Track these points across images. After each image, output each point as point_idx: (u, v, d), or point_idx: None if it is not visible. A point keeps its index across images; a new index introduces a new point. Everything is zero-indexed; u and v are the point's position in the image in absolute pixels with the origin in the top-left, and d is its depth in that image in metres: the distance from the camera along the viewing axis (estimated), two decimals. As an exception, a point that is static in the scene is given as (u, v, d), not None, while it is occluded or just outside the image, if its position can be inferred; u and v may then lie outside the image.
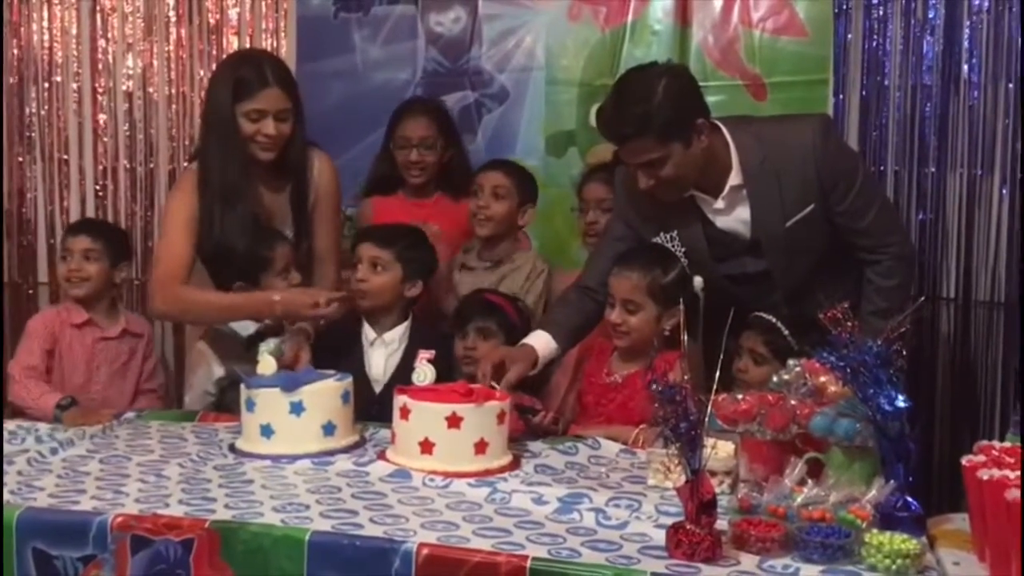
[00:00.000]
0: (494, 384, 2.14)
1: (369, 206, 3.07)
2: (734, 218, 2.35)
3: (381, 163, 3.09)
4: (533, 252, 2.92)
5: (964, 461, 1.59)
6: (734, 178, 2.30)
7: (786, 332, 2.19)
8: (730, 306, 2.05)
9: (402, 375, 2.34)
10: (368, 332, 2.55)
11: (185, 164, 3.46)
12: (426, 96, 3.33)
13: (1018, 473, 1.49)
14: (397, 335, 2.54)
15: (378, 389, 2.49)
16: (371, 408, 2.31)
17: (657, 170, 2.24)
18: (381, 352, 2.53)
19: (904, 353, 1.72)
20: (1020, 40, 2.92)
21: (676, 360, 2.16)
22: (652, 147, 2.21)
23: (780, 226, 2.31)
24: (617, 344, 2.38)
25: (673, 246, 2.38)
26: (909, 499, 1.65)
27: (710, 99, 3.16)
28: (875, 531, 1.56)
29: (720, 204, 2.33)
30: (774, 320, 2.24)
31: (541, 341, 2.34)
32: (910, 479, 1.67)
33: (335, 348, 2.49)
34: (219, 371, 2.55)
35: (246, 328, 2.56)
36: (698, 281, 2.36)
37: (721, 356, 1.77)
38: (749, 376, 2.25)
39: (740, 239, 2.36)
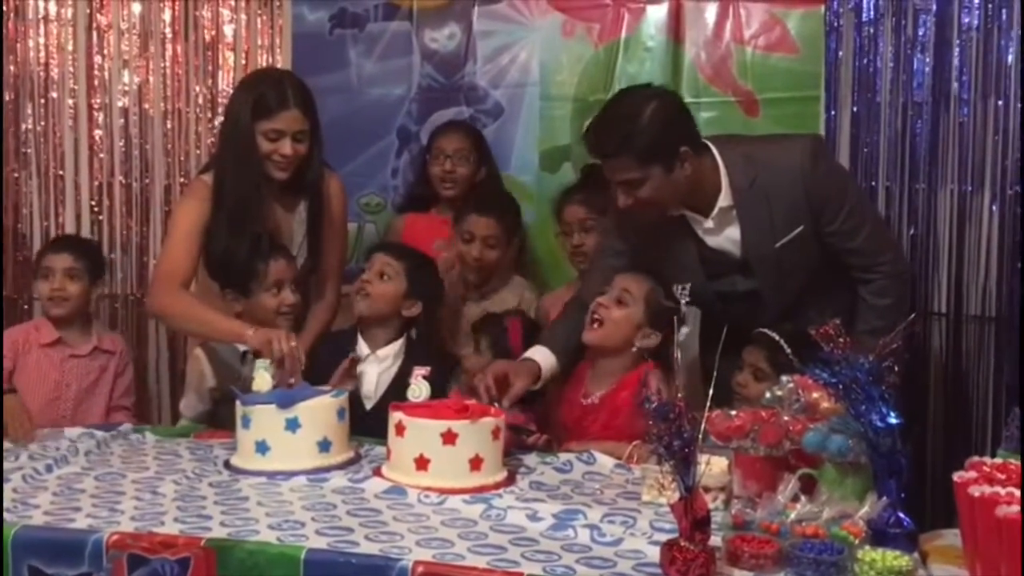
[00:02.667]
0: (497, 402, 2.16)
1: (402, 221, 3.16)
2: (724, 238, 2.37)
3: (417, 183, 3.19)
4: (521, 282, 2.93)
5: (956, 477, 1.60)
6: (724, 199, 2.32)
7: (788, 350, 2.19)
8: (723, 324, 2.06)
9: (394, 393, 2.35)
10: (362, 347, 2.55)
11: (182, 180, 3.50)
12: (417, 112, 3.39)
13: (1010, 490, 1.50)
14: (391, 352, 2.54)
15: (369, 405, 2.48)
16: (361, 424, 2.30)
17: (635, 190, 2.25)
18: (374, 368, 2.53)
19: (896, 369, 1.73)
20: (1009, 57, 2.95)
21: (651, 368, 2.19)
22: (631, 167, 2.23)
23: (770, 247, 2.33)
24: (586, 335, 2.36)
25: (681, 295, 2.35)
26: (901, 515, 1.65)
27: (703, 115, 3.24)
28: (868, 547, 1.56)
29: (710, 224, 2.35)
30: (778, 338, 2.24)
31: (542, 355, 2.35)
32: (902, 495, 1.68)
33: (329, 363, 2.49)
34: (211, 381, 2.55)
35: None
36: (684, 332, 2.35)
37: (715, 373, 1.77)
38: (748, 391, 2.26)
39: (731, 258, 2.38)
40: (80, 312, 2.74)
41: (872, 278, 2.35)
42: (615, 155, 2.24)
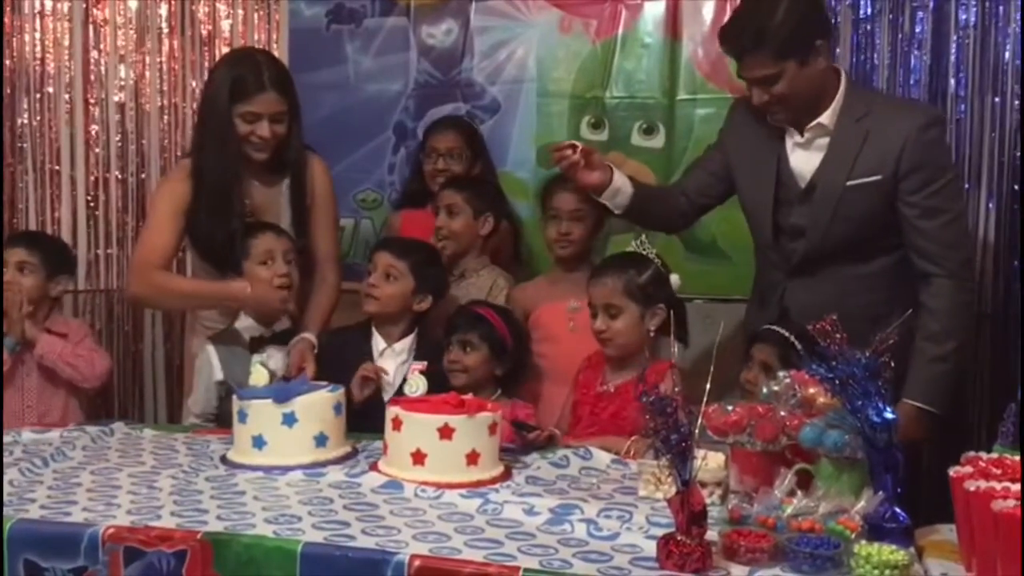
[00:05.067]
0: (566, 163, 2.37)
1: (399, 218, 3.17)
2: (807, 158, 2.37)
3: (413, 178, 3.20)
4: (496, 268, 2.90)
5: (951, 472, 1.60)
6: (826, 117, 2.33)
7: (799, 347, 2.17)
8: (763, 272, 2.17)
9: None
10: (378, 342, 2.56)
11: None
12: (413, 108, 3.40)
13: (1005, 484, 1.51)
14: (406, 346, 2.56)
15: (387, 398, 2.47)
16: (379, 417, 2.23)
17: (771, 86, 2.28)
18: (392, 361, 2.53)
19: (892, 365, 1.73)
20: (1007, 54, 2.96)
21: (666, 370, 2.20)
22: (767, 63, 2.25)
23: (842, 181, 2.31)
24: (606, 352, 2.39)
25: (645, 250, 2.40)
26: (897, 510, 1.66)
27: (699, 112, 3.27)
28: (863, 542, 1.57)
29: (801, 138, 2.36)
30: (787, 335, 2.24)
31: (620, 175, 2.46)
32: (898, 490, 1.68)
33: (345, 358, 2.49)
34: (219, 374, 2.54)
35: (251, 330, 2.56)
36: (675, 279, 2.39)
37: (712, 367, 1.77)
38: (758, 388, 2.24)
39: (800, 187, 2.38)
40: (35, 306, 2.72)
41: (933, 273, 2.29)
42: (751, 51, 2.26)
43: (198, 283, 2.63)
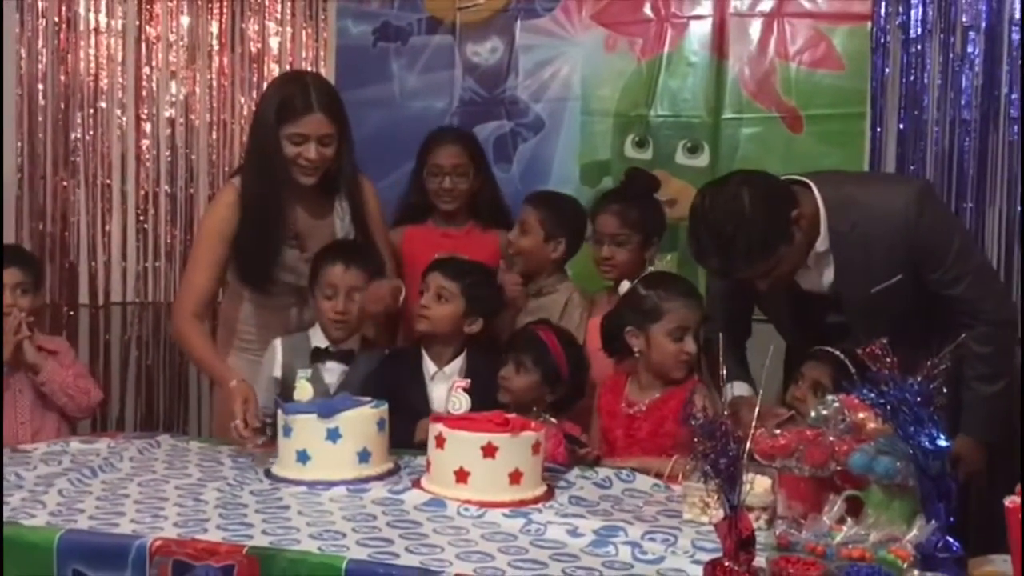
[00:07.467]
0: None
1: (400, 235, 3.04)
2: (817, 279, 2.33)
3: (412, 192, 3.07)
4: (572, 285, 2.85)
5: (1007, 502, 1.57)
6: (821, 243, 2.27)
7: (853, 370, 2.12)
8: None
9: None
10: (429, 366, 2.55)
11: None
12: (458, 125, 3.38)
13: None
14: (456, 368, 2.54)
15: None
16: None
17: (773, 275, 2.25)
18: (443, 385, 2.48)
19: (945, 391, 1.70)
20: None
21: (696, 386, 2.19)
22: (763, 266, 2.22)
23: (865, 292, 2.27)
24: (673, 374, 2.34)
25: None
26: (950, 539, 1.62)
27: (745, 131, 3.25)
28: (916, 571, 1.54)
29: (807, 267, 2.31)
30: (841, 355, 2.21)
31: (747, 389, 2.40)
32: (951, 519, 1.65)
33: (397, 381, 2.49)
34: (277, 371, 2.54)
35: (319, 341, 2.57)
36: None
37: (760, 390, 1.75)
38: (806, 406, 2.20)
39: (823, 298, 2.35)
40: (36, 325, 2.69)
41: (974, 324, 2.26)
42: (745, 269, 2.23)
43: (206, 353, 2.52)
